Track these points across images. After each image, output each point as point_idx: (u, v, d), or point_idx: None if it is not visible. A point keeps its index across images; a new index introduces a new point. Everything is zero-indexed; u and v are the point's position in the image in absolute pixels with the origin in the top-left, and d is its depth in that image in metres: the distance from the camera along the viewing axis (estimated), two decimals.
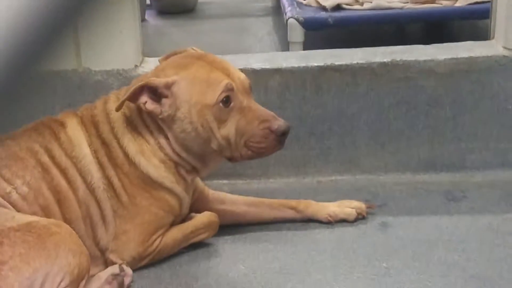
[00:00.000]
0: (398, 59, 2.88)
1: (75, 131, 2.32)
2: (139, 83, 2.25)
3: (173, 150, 2.33)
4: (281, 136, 2.26)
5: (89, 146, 2.31)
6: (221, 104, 2.24)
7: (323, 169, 2.98)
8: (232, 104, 2.25)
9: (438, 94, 2.90)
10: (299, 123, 2.91)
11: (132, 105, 2.31)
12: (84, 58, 2.83)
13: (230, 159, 2.34)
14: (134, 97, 2.26)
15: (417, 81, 2.88)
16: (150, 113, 2.29)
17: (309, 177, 2.98)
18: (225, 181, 2.94)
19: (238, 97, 2.26)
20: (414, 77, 2.88)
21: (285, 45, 4.18)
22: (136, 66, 2.87)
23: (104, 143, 2.32)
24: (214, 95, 2.24)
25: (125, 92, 2.30)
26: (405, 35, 4.81)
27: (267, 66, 2.89)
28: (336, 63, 2.88)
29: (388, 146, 2.96)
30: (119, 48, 2.85)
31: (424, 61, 2.87)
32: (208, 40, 4.73)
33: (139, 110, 2.31)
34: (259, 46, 4.59)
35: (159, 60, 2.50)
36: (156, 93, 2.26)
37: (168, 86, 2.25)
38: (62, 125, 2.33)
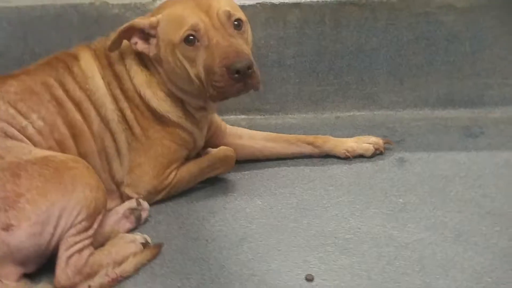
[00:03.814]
0: None
1: (88, 64, 2.31)
2: (125, 25, 2.24)
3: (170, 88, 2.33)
4: (236, 75, 2.11)
5: (103, 78, 2.30)
6: (184, 43, 2.19)
7: (342, 104, 2.97)
8: (198, 43, 2.18)
9: (457, 30, 2.87)
10: (317, 58, 2.89)
11: None
12: None
13: (210, 98, 2.24)
14: (127, 37, 2.26)
15: (436, 16, 2.85)
16: (142, 54, 2.29)
17: (327, 112, 2.97)
18: (243, 116, 2.94)
19: (207, 35, 2.17)
20: (433, 12, 2.84)
21: None
22: None
23: (116, 76, 2.31)
24: (178, 34, 2.19)
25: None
26: None
27: (285, 0, 2.86)
28: None
29: (407, 81, 2.94)
30: None
31: None
32: None
33: None
34: None
35: None
36: (145, 34, 2.25)
37: (153, 26, 2.24)
38: (76, 58, 2.32)
